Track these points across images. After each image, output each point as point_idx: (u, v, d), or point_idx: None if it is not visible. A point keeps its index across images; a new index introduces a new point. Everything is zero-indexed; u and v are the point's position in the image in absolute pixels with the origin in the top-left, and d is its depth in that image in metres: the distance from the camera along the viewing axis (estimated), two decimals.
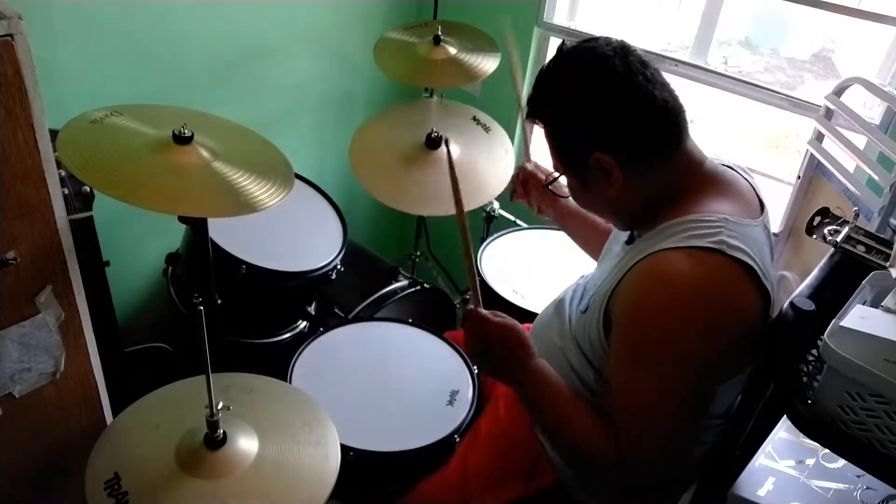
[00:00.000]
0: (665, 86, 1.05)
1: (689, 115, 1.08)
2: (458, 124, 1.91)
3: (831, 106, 1.62)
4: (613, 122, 1.03)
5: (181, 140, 1.14)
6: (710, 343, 0.96)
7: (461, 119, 1.93)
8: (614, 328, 1.04)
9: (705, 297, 0.96)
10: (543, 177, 1.46)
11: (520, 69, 1.66)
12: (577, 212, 1.49)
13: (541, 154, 1.38)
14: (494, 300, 1.83)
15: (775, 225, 1.83)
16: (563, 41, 1.10)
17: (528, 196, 1.51)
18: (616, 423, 1.02)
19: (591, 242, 1.49)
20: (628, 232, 1.19)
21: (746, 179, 1.14)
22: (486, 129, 1.89)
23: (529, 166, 1.51)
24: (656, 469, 1.00)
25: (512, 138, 2.35)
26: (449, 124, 1.87)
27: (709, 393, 1.03)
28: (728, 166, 1.15)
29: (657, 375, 0.97)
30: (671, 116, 1.05)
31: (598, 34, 1.11)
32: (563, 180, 1.18)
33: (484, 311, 1.11)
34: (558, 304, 1.29)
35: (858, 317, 0.91)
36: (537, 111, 1.12)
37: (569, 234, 1.55)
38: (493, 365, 1.11)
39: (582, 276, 1.32)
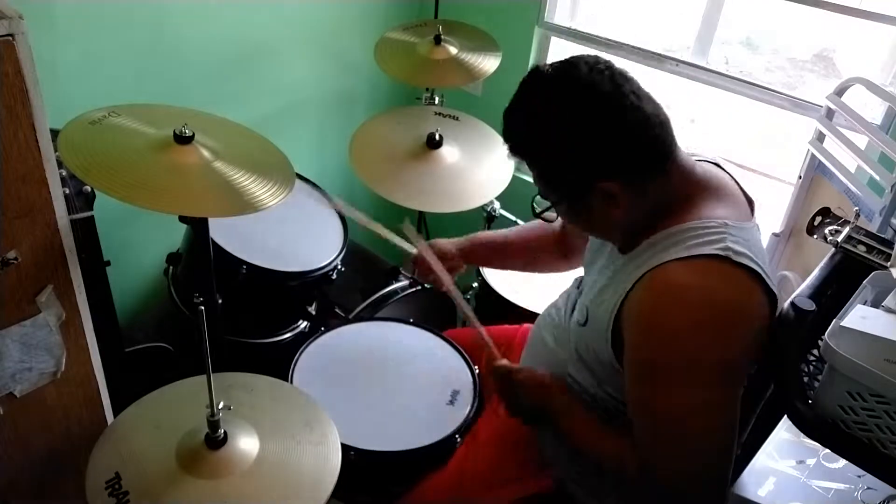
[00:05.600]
0: (650, 98, 1.00)
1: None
2: (458, 124, 1.91)
3: (832, 106, 1.62)
4: (612, 148, 0.98)
5: (182, 140, 1.14)
6: (728, 352, 0.96)
7: (460, 119, 1.93)
8: (628, 348, 1.02)
9: (718, 307, 0.95)
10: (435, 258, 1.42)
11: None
12: (492, 247, 1.51)
13: None
14: (496, 300, 1.84)
15: (776, 225, 1.83)
16: (537, 66, 1.02)
17: (432, 274, 1.43)
18: (640, 444, 1.01)
19: (534, 261, 1.52)
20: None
21: (730, 175, 1.12)
22: (455, 118, 1.92)
23: (418, 252, 1.45)
24: (700, 483, 0.99)
25: None
26: (448, 124, 1.87)
27: (735, 400, 1.00)
28: (712, 162, 1.13)
29: (683, 392, 0.96)
30: (663, 129, 1.01)
31: (577, 52, 1.04)
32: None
33: (505, 366, 1.23)
34: (553, 312, 1.28)
35: (859, 317, 0.91)
36: (522, 148, 1.04)
37: (502, 268, 1.56)
38: (524, 411, 1.21)
39: (574, 283, 1.29)
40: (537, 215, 1.13)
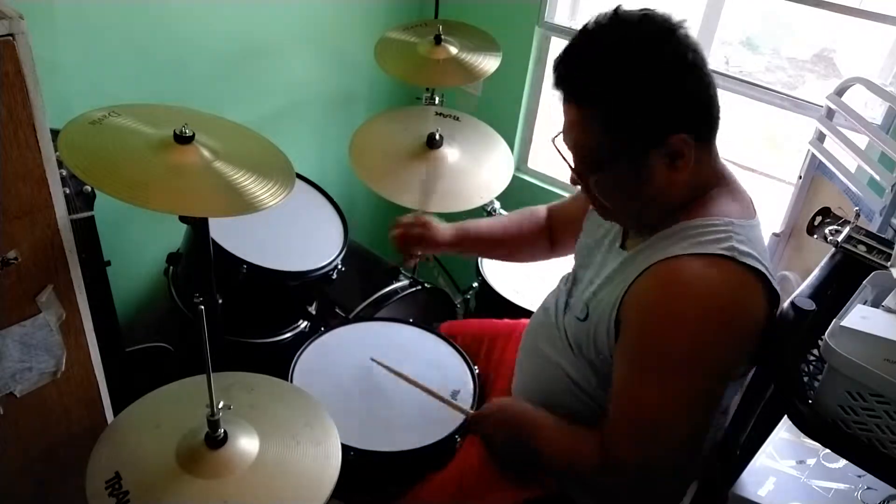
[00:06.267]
0: None
1: None
2: (457, 124, 1.91)
3: (833, 106, 1.62)
4: (693, 97, 0.96)
5: (182, 140, 1.14)
6: (726, 349, 0.97)
7: (460, 119, 1.94)
8: (626, 331, 1.02)
9: (722, 304, 0.96)
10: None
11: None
12: (480, 238, 1.50)
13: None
14: (496, 300, 1.84)
15: (776, 225, 1.83)
16: (619, 7, 0.97)
17: (413, 249, 1.47)
18: (613, 431, 1.02)
19: (519, 251, 1.53)
20: (614, 233, 1.16)
21: None
22: (455, 118, 1.93)
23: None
24: (662, 472, 1.00)
25: (512, 136, 2.35)
26: (448, 124, 1.87)
27: (719, 395, 1.02)
28: None
29: (672, 382, 0.97)
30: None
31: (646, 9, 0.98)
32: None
33: (475, 414, 1.27)
34: (545, 314, 1.28)
35: (859, 316, 0.91)
36: (592, 92, 0.97)
37: (486, 257, 1.55)
38: (506, 442, 1.20)
39: (563, 281, 1.29)
40: (575, 177, 1.06)
